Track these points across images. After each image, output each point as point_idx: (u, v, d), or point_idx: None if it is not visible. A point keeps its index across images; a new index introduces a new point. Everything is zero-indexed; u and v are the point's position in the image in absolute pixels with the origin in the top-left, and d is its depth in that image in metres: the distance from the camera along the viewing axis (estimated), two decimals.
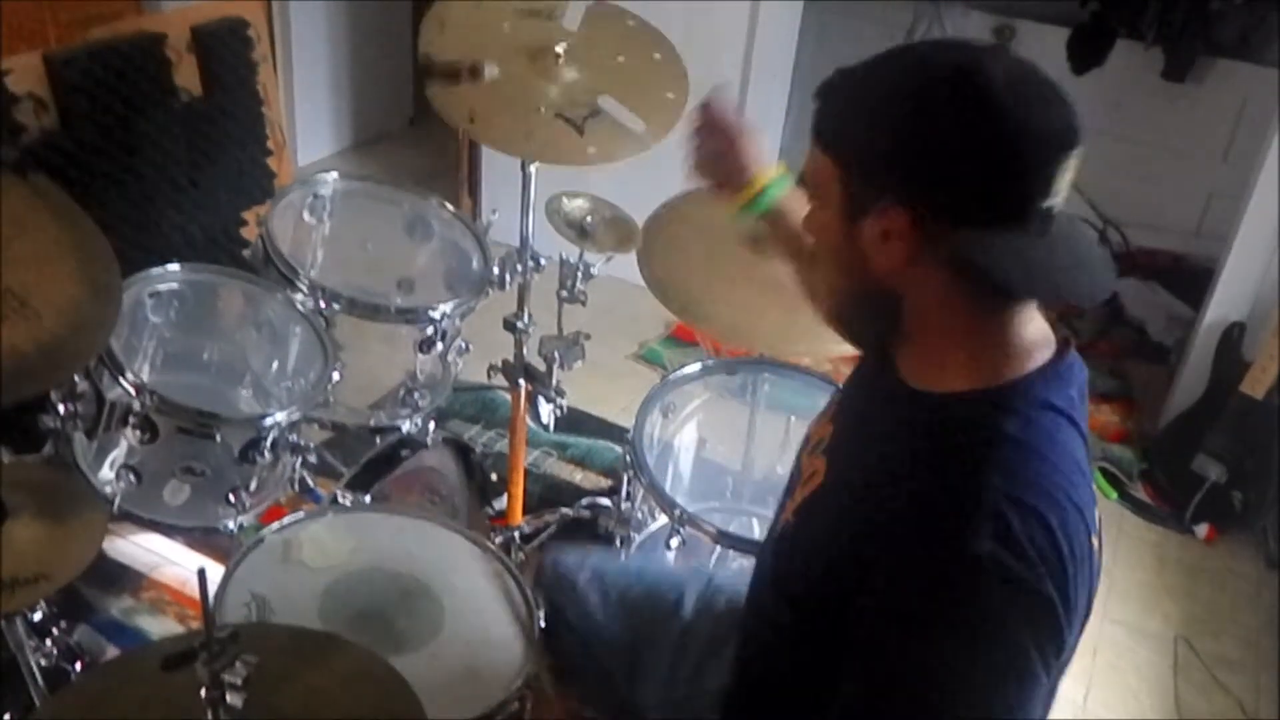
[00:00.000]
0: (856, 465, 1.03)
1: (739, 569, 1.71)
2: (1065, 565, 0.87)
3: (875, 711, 0.90)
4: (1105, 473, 2.90)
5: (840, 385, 1.26)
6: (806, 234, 1.05)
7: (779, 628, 1.07)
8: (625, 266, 1.83)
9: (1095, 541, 0.93)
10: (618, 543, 1.87)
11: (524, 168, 1.81)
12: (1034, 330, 0.97)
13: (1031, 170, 0.87)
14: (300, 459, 1.76)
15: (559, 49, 1.70)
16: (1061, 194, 0.89)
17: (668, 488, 1.75)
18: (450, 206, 2.09)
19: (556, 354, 1.89)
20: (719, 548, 1.67)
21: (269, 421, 1.66)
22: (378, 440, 1.98)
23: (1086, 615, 0.96)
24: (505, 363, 2.02)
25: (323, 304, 1.82)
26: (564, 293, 1.87)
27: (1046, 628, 0.87)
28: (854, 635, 0.91)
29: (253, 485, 1.70)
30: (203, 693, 0.92)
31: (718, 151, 1.34)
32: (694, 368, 1.96)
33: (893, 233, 0.91)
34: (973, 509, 0.87)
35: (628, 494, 1.84)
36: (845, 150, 0.95)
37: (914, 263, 0.92)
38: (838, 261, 0.99)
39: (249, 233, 2.81)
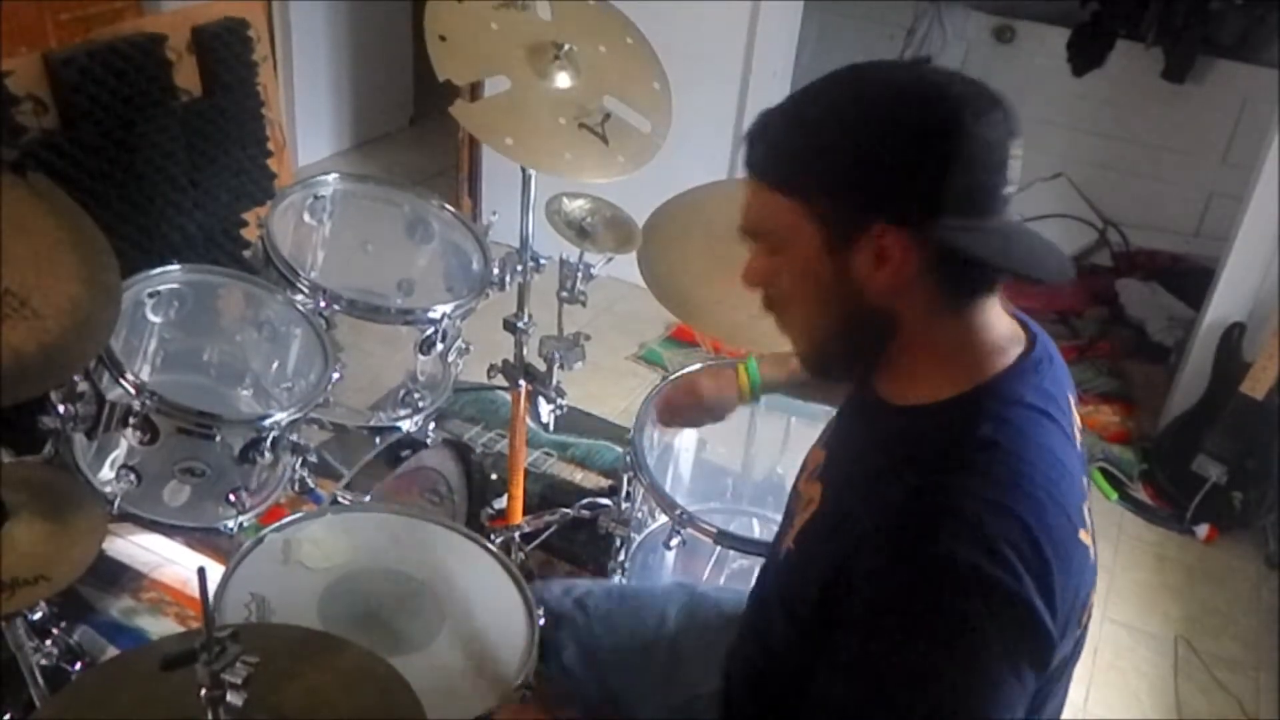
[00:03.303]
0: (846, 486, 1.04)
1: (738, 569, 1.72)
2: (1048, 566, 0.86)
3: (846, 713, 0.90)
4: (1105, 473, 2.90)
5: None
6: (759, 284, 1.04)
7: (784, 646, 1.07)
8: (625, 267, 1.82)
9: (1086, 537, 0.93)
10: (618, 543, 1.87)
11: (524, 168, 1.81)
12: (1003, 328, 0.99)
13: (998, 162, 0.92)
14: (300, 459, 1.76)
15: (559, 46, 1.66)
16: (1017, 179, 0.94)
17: (668, 488, 1.75)
18: (450, 207, 2.09)
19: (557, 354, 1.89)
20: (719, 548, 1.68)
21: (269, 422, 1.65)
22: (378, 441, 1.98)
23: (1085, 612, 0.96)
24: (505, 363, 2.02)
25: (323, 305, 1.82)
26: (564, 293, 1.87)
27: (1026, 632, 0.86)
28: (836, 637, 0.92)
29: (253, 486, 1.70)
30: (203, 693, 0.91)
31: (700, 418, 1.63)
32: (694, 369, 1.95)
33: (888, 251, 0.92)
34: (949, 516, 0.87)
35: (628, 494, 1.84)
36: (817, 186, 0.94)
37: (908, 276, 0.93)
38: (822, 298, 0.99)
39: (249, 233, 2.81)
